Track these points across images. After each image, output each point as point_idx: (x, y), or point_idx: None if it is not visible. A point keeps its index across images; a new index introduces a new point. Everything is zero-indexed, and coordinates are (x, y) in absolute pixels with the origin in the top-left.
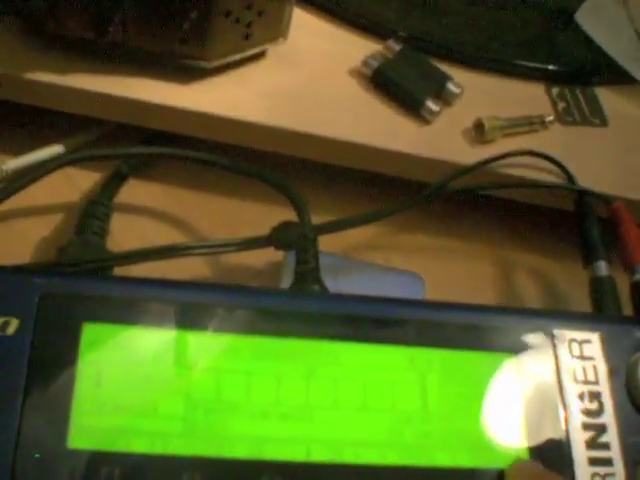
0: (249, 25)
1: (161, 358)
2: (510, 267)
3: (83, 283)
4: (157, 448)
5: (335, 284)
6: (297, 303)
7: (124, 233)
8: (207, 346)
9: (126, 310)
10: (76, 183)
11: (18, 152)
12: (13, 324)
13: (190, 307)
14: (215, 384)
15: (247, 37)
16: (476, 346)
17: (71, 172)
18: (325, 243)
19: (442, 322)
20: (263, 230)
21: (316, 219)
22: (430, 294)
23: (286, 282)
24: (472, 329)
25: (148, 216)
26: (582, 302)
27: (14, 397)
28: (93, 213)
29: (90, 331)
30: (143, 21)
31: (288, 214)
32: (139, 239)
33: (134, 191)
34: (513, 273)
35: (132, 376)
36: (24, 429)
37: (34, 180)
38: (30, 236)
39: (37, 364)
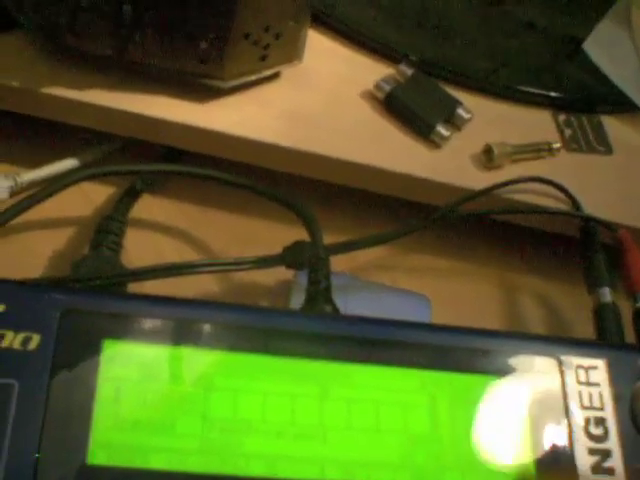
0: (266, 47)
1: (179, 376)
2: (515, 290)
3: (104, 300)
4: (175, 465)
5: (344, 303)
6: (312, 324)
7: (137, 248)
8: (224, 365)
9: (146, 328)
10: (90, 197)
11: (34, 165)
12: (35, 340)
13: (209, 326)
14: (231, 403)
15: (264, 58)
16: (485, 370)
17: (85, 186)
18: (333, 262)
19: (453, 346)
20: (273, 248)
21: (326, 239)
22: (436, 315)
23: (296, 301)
24: (482, 353)
25: (160, 232)
26: (585, 327)
27: (35, 412)
28: (108, 228)
29: (110, 348)
30: (162, 40)
31: (298, 233)
32: (151, 254)
33: (147, 207)
34: (518, 296)
35: (150, 393)
36: (44, 444)
37: (51, 194)
38: (43, 250)
39: (58, 379)
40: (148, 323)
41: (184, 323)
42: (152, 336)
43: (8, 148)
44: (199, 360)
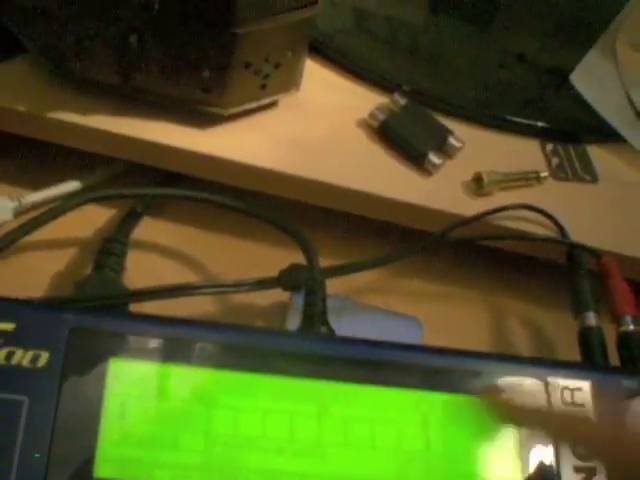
0: (266, 76)
1: (182, 393)
2: (504, 314)
3: (111, 319)
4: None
5: (339, 325)
6: (309, 345)
7: (137, 269)
8: (225, 384)
9: (151, 347)
10: (90, 219)
11: (37, 187)
12: (43, 357)
13: (211, 346)
14: (232, 420)
15: (263, 87)
16: (475, 391)
17: (86, 208)
18: (328, 285)
19: (444, 367)
20: (270, 271)
21: (322, 262)
22: (427, 337)
23: (292, 322)
24: (473, 375)
25: (160, 254)
26: (571, 350)
27: (44, 427)
28: (111, 249)
29: (116, 366)
30: (166, 69)
31: (295, 256)
32: (151, 276)
33: (147, 229)
34: (507, 320)
35: (155, 409)
36: (53, 458)
37: (54, 217)
38: (45, 269)
39: (65, 396)
40: (153, 342)
41: (187, 343)
42: (157, 355)
43: (13, 170)
44: (201, 378)
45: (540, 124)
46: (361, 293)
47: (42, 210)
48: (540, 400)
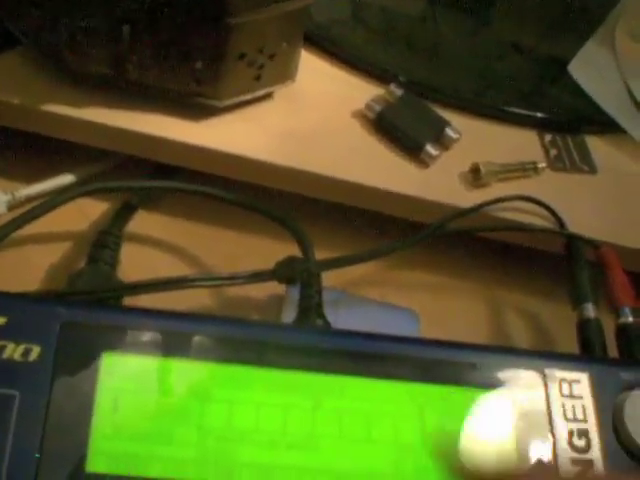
0: (260, 67)
1: (175, 387)
2: (501, 306)
3: (103, 313)
4: (171, 473)
5: (335, 318)
6: (304, 338)
7: (131, 262)
8: (218, 377)
9: (143, 340)
10: (84, 212)
11: (31, 180)
12: (35, 351)
13: (204, 339)
14: (226, 413)
15: (258, 78)
16: (472, 383)
17: (80, 201)
18: (324, 277)
19: (441, 360)
20: (266, 264)
21: (317, 254)
22: (424, 329)
23: (287, 315)
24: (469, 367)
25: (155, 247)
26: (569, 341)
27: (36, 422)
28: (105, 243)
29: (108, 359)
30: (160, 60)
31: (291, 248)
32: (146, 269)
33: (142, 222)
34: (504, 311)
35: (147, 403)
36: (45, 453)
37: (47, 211)
38: (39, 263)
39: (57, 390)
40: (146, 336)
41: (181, 336)
42: (149, 348)
43: (6, 163)
44: (195, 372)
45: (538, 115)
46: (357, 285)
47: (36, 203)
48: (538, 392)
